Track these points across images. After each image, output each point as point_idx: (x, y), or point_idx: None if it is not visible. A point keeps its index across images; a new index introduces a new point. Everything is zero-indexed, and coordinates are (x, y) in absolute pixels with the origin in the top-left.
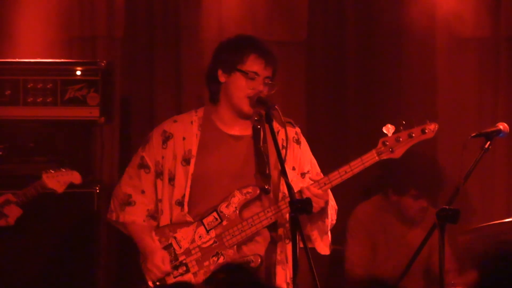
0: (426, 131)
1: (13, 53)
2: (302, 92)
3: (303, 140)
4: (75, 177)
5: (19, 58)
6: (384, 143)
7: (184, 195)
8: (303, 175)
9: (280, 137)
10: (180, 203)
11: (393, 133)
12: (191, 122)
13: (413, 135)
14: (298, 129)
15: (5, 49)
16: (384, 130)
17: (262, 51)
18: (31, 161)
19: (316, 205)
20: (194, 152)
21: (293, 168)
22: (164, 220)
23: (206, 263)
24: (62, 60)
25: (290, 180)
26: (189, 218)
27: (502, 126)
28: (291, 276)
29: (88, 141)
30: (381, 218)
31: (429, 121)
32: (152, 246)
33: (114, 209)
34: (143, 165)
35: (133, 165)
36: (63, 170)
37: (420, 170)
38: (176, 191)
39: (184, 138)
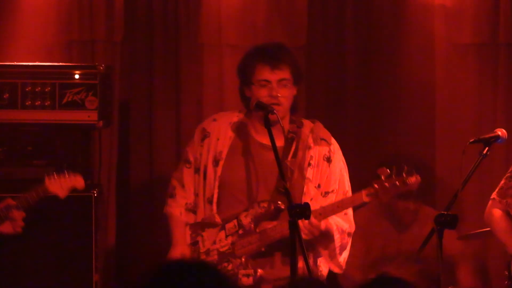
0: (408, 183)
1: (11, 56)
2: (301, 97)
3: (335, 158)
4: (78, 182)
5: (17, 61)
6: (373, 187)
7: (213, 195)
8: (326, 193)
9: (309, 154)
10: (210, 201)
11: (385, 177)
12: (230, 123)
13: (397, 184)
14: (333, 147)
15: (3, 52)
16: (379, 172)
17: (266, 57)
18: (29, 164)
19: (309, 234)
20: (224, 154)
21: (318, 186)
22: (200, 214)
23: (220, 267)
24: (61, 64)
25: (310, 198)
26: (218, 219)
27: (501, 132)
28: None
29: (87, 145)
30: (377, 223)
31: (415, 172)
32: (176, 240)
33: (166, 201)
34: (186, 160)
35: (182, 159)
36: (66, 174)
37: None
38: (207, 188)
39: (218, 139)
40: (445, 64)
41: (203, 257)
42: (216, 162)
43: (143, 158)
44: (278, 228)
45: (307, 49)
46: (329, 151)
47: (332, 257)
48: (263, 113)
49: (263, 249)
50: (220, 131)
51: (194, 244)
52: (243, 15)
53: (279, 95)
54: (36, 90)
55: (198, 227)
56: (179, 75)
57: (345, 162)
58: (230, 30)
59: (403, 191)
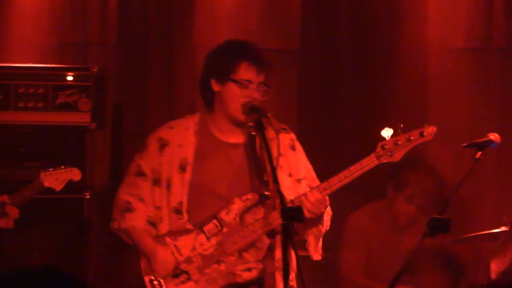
0: (425, 134)
1: (4, 57)
2: (295, 101)
3: (298, 146)
4: (75, 174)
5: (10, 63)
6: (383, 147)
7: (182, 202)
8: (299, 181)
9: (275, 144)
10: (177, 211)
11: (392, 137)
12: (187, 129)
13: (412, 138)
14: (293, 135)
15: None
16: (383, 133)
17: (254, 58)
18: (22, 166)
19: (317, 210)
20: (190, 159)
21: (290, 175)
22: (164, 227)
23: (208, 271)
24: (54, 65)
25: (286, 187)
26: (189, 226)
27: (494, 136)
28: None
29: (79, 146)
30: (375, 227)
31: (427, 123)
32: (152, 246)
33: (116, 217)
34: (140, 173)
35: (131, 172)
36: (62, 167)
37: (425, 177)
38: (172, 198)
39: (180, 145)
40: (438, 69)
41: (183, 266)
42: (182, 169)
43: None
44: (269, 217)
45: (300, 52)
46: (291, 140)
47: (317, 241)
48: (257, 116)
49: (257, 242)
50: (181, 137)
51: None
52: (237, 18)
53: (258, 98)
54: (29, 91)
55: (166, 239)
56: (173, 77)
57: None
58: (223, 32)
59: (419, 144)
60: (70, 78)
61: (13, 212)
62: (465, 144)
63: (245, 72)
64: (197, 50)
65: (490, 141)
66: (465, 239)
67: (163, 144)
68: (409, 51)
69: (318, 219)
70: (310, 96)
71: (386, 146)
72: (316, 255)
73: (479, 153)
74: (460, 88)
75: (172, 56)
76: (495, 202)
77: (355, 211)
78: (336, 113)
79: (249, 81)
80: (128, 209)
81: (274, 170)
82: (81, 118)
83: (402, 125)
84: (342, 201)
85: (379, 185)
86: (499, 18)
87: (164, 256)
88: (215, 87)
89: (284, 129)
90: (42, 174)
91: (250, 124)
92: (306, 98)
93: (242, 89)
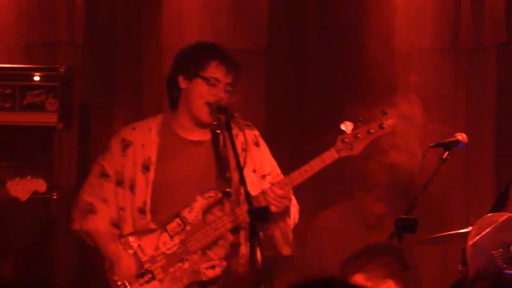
0: (384, 126)
1: None
2: (262, 101)
3: (262, 142)
4: (40, 185)
5: None
6: (342, 141)
7: (146, 202)
8: (263, 177)
9: (239, 140)
10: (142, 211)
11: (352, 130)
12: (149, 129)
13: (372, 130)
14: (256, 132)
15: None
16: (342, 127)
17: (224, 58)
18: None
19: (281, 205)
20: (153, 159)
21: (254, 171)
22: (127, 228)
23: (172, 269)
24: (21, 66)
25: (250, 183)
26: (152, 226)
27: (461, 136)
28: None
29: (47, 147)
30: (344, 226)
31: (387, 116)
32: (116, 252)
33: (76, 217)
34: (103, 174)
35: (94, 174)
36: (28, 178)
37: (393, 175)
38: (137, 198)
39: (143, 145)
40: (406, 69)
41: (147, 265)
42: (146, 168)
43: None
44: (230, 215)
45: (268, 52)
46: (255, 136)
47: (286, 234)
48: (224, 116)
49: (220, 239)
50: (144, 137)
51: (132, 256)
52: (204, 18)
53: (224, 98)
54: None
55: (130, 239)
56: (141, 77)
57: None
58: (191, 33)
59: (379, 136)
60: (37, 78)
61: None
62: (432, 144)
63: (215, 70)
64: (164, 50)
65: (458, 141)
66: (432, 239)
67: (125, 145)
68: (376, 51)
69: (284, 213)
70: (278, 95)
71: (346, 140)
72: (285, 249)
73: (446, 153)
74: (427, 88)
75: (139, 56)
76: (462, 202)
77: (325, 210)
78: (304, 112)
79: (217, 80)
80: (91, 210)
81: (241, 170)
82: (48, 118)
83: (362, 118)
84: (315, 198)
85: (350, 185)
86: (466, 18)
87: (128, 263)
88: (182, 84)
89: (247, 125)
90: (9, 183)
91: (215, 122)
92: (274, 97)
93: (210, 87)
